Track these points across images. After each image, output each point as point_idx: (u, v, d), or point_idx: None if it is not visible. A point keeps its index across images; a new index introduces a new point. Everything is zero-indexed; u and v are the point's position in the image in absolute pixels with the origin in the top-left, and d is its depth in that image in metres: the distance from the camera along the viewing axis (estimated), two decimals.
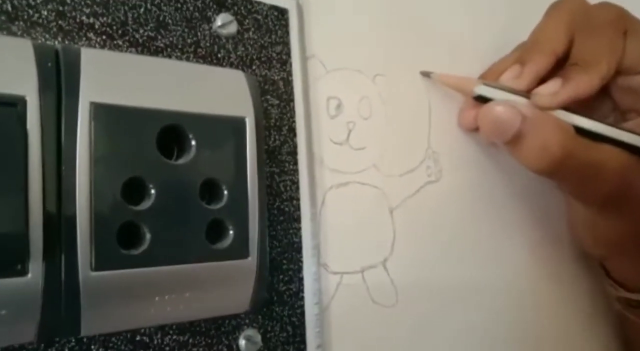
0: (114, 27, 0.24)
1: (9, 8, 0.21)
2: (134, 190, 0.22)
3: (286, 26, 0.29)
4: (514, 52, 0.35)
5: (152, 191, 0.22)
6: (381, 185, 0.32)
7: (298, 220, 0.28)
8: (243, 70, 0.27)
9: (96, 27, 0.23)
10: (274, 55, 0.28)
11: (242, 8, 0.27)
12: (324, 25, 0.31)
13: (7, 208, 0.19)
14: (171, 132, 0.23)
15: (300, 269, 0.28)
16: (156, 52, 0.25)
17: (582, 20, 0.32)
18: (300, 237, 0.28)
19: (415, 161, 0.33)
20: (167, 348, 0.24)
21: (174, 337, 0.24)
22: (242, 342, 0.25)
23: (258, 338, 0.26)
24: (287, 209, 0.28)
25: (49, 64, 0.21)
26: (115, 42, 0.24)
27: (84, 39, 0.23)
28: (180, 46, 0.25)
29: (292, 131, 0.28)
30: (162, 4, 0.25)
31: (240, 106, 0.25)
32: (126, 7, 0.24)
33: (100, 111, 0.21)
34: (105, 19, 0.24)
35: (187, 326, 0.24)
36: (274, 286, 0.27)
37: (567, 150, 0.29)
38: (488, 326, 0.35)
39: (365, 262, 0.31)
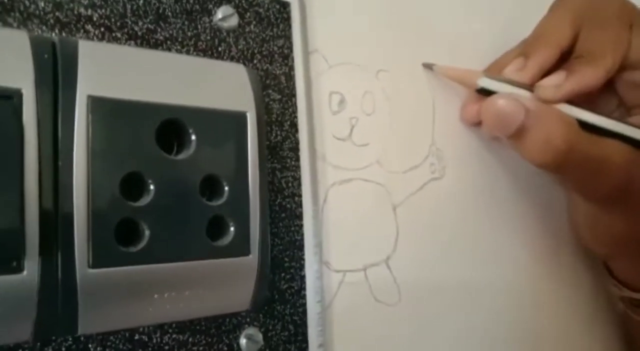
0: (113, 19, 0.23)
1: None
2: (132, 185, 0.22)
3: (288, 20, 0.28)
4: (518, 46, 0.35)
5: (152, 187, 0.22)
6: (384, 181, 0.31)
7: (300, 217, 0.28)
8: (244, 64, 0.26)
9: (94, 19, 0.23)
10: (276, 49, 0.28)
11: (243, 1, 0.27)
12: (327, 19, 0.30)
13: (2, 204, 0.18)
14: (171, 126, 0.23)
15: (302, 267, 0.27)
16: (155, 45, 0.24)
17: (587, 13, 0.32)
18: (302, 235, 0.28)
19: (419, 158, 0.33)
20: (167, 347, 0.23)
21: (174, 336, 0.24)
22: (243, 341, 0.25)
23: (259, 337, 0.26)
24: (288, 206, 0.27)
25: (46, 56, 0.20)
26: (113, 34, 0.23)
27: (82, 31, 0.23)
28: (180, 39, 0.25)
29: (294, 126, 0.28)
30: None
31: (241, 101, 0.25)
32: None
33: (98, 105, 0.21)
34: (103, 10, 0.23)
35: (187, 325, 0.24)
36: (275, 285, 0.27)
37: (571, 144, 0.29)
38: (490, 325, 0.35)
39: (368, 260, 0.30)
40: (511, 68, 0.32)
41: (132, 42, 0.24)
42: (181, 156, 0.23)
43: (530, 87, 0.31)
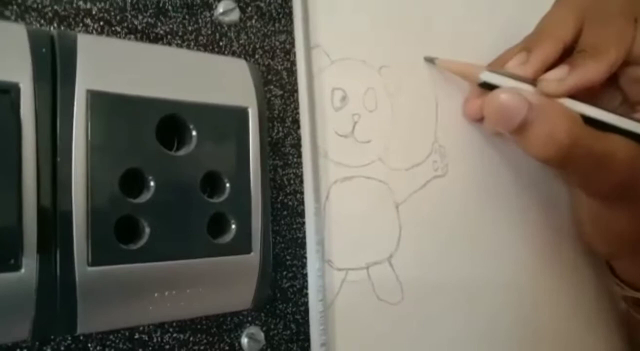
0: (112, 13, 0.23)
1: None
2: (132, 182, 0.21)
3: (290, 14, 0.28)
4: (521, 42, 0.34)
5: (152, 183, 0.21)
6: (387, 179, 0.31)
7: (302, 214, 0.27)
8: (245, 59, 0.26)
9: (93, 12, 0.23)
10: (278, 44, 0.27)
11: None
12: (329, 14, 0.30)
13: None
14: (171, 122, 0.22)
15: (304, 265, 0.27)
16: (156, 40, 0.24)
17: (591, 8, 0.32)
18: (304, 232, 0.27)
19: (422, 155, 0.33)
20: (167, 347, 0.23)
21: (174, 335, 0.23)
22: (244, 340, 0.25)
23: (261, 336, 0.25)
24: (290, 203, 0.27)
25: (44, 50, 0.20)
26: (113, 28, 0.23)
27: (81, 24, 0.22)
28: (180, 33, 0.25)
29: (296, 123, 0.28)
30: None
31: (242, 96, 0.24)
32: None
33: (98, 100, 0.21)
34: (102, 4, 0.23)
35: (187, 324, 0.24)
36: (277, 283, 0.26)
37: (575, 139, 0.29)
38: (494, 323, 0.35)
39: (371, 258, 0.30)
40: (513, 62, 0.32)
41: (132, 36, 0.23)
42: (182, 152, 0.23)
43: (533, 81, 0.31)
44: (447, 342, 0.32)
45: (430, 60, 0.33)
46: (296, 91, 0.28)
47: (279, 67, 0.27)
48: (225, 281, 0.23)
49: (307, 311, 0.27)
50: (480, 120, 0.34)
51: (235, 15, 0.26)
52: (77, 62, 0.20)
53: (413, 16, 0.34)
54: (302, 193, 0.28)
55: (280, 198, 0.27)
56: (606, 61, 0.30)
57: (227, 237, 0.23)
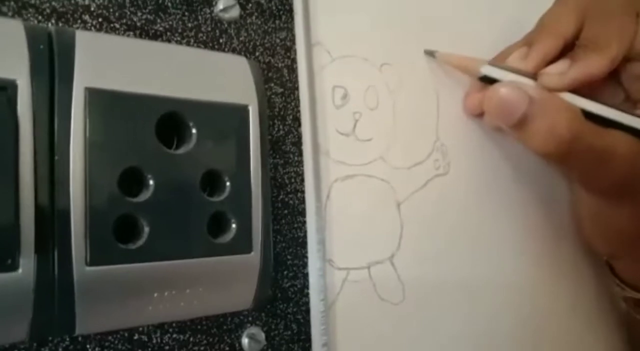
0: (111, 10, 0.23)
1: None
2: (131, 181, 0.21)
3: (290, 11, 0.28)
4: (523, 38, 0.34)
5: (151, 182, 0.21)
6: (388, 178, 0.31)
7: (303, 213, 0.27)
8: (246, 56, 0.26)
9: (92, 9, 0.22)
10: (278, 41, 0.27)
11: None
12: (330, 11, 0.30)
13: None
14: (171, 120, 0.22)
15: (305, 265, 0.27)
16: (155, 36, 0.24)
17: (592, 5, 0.31)
18: (304, 232, 0.27)
19: (423, 153, 0.32)
20: (167, 348, 0.23)
21: (174, 336, 0.23)
22: (245, 340, 0.25)
23: (262, 336, 0.25)
24: (291, 202, 0.27)
25: (42, 47, 0.20)
26: (112, 25, 0.23)
27: (79, 21, 0.22)
28: (180, 30, 0.24)
29: (297, 121, 0.27)
30: None
31: (243, 93, 0.24)
32: None
33: (96, 97, 0.20)
34: (101, 0, 0.23)
35: (187, 325, 0.23)
36: (278, 283, 0.26)
37: (575, 133, 0.29)
38: (494, 323, 0.35)
39: (372, 258, 0.30)
40: (514, 56, 0.31)
41: (131, 33, 0.23)
42: (181, 150, 0.22)
43: (533, 75, 0.30)
44: (448, 342, 0.32)
45: (430, 53, 0.33)
46: (297, 89, 0.28)
47: (280, 65, 0.27)
48: (226, 281, 0.23)
49: (308, 311, 0.27)
50: (480, 114, 0.34)
51: (235, 12, 0.26)
52: (75, 59, 0.20)
53: (414, 14, 0.33)
54: (302, 192, 0.27)
55: (281, 197, 0.27)
56: (608, 55, 0.30)
57: (227, 236, 0.23)
